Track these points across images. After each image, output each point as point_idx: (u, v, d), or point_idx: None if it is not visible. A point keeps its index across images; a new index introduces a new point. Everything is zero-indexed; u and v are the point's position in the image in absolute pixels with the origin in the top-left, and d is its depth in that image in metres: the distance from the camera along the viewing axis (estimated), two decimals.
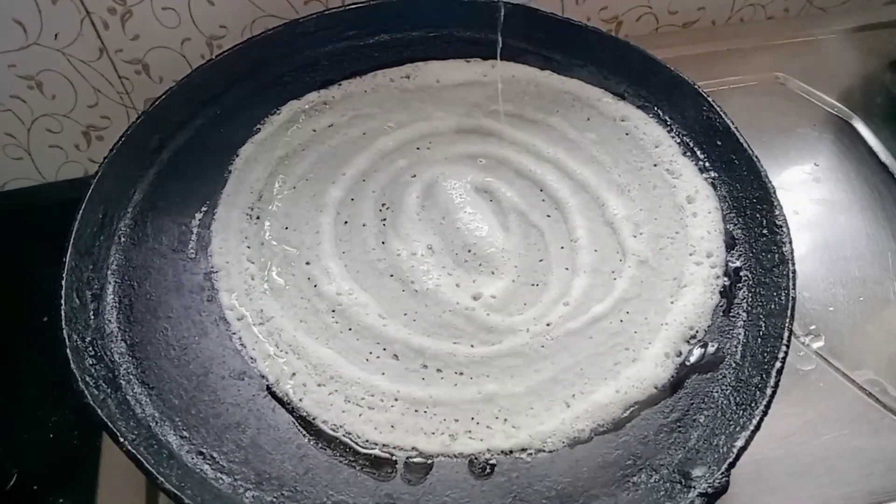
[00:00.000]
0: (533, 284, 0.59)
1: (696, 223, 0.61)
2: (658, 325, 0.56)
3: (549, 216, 0.63)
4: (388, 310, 0.57)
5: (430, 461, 0.50)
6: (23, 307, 0.68)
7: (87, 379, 0.48)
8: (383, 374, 0.54)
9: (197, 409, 0.51)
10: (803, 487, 0.54)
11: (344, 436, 0.50)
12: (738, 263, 0.58)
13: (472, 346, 0.55)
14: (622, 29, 0.86)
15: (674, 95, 0.67)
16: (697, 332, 0.55)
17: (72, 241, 0.54)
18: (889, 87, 0.81)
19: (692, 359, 0.54)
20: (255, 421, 0.51)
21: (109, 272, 0.56)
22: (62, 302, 0.51)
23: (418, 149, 0.67)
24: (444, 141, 0.67)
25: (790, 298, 0.53)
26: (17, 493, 0.59)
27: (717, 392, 0.52)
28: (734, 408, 0.50)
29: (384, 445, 0.50)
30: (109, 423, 0.46)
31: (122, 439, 0.45)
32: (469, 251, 0.60)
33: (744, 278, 0.57)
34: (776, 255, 0.56)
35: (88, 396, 0.47)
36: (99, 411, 0.46)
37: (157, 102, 0.63)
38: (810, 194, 0.72)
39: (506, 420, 0.51)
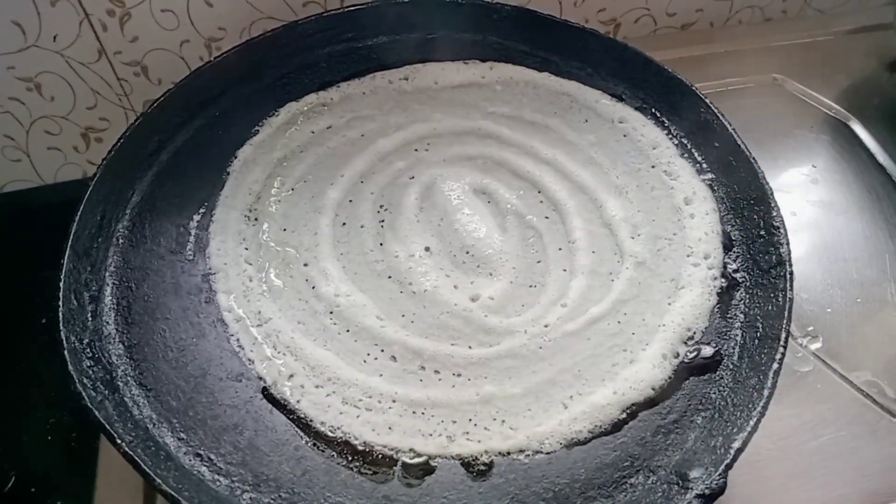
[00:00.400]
0: (531, 286, 0.59)
1: (693, 225, 0.61)
2: (656, 326, 0.56)
3: (547, 217, 0.63)
4: (386, 311, 0.57)
5: (427, 463, 0.50)
6: (21, 309, 0.68)
7: (85, 380, 0.48)
8: (381, 375, 0.53)
9: (194, 410, 0.51)
10: (801, 488, 0.54)
11: (342, 437, 0.50)
12: (735, 265, 0.58)
13: (469, 347, 0.55)
14: (620, 31, 0.86)
15: (672, 97, 0.67)
16: (695, 333, 0.55)
17: (70, 242, 0.54)
18: (886, 89, 0.81)
19: (689, 360, 0.54)
20: (253, 422, 0.51)
21: (107, 274, 0.56)
22: (60, 303, 0.51)
23: (416, 150, 0.67)
24: (442, 142, 0.67)
25: (788, 300, 0.53)
26: (15, 494, 0.59)
27: (714, 393, 0.52)
28: (731, 409, 0.50)
29: (382, 447, 0.50)
30: (107, 425, 0.46)
31: (119, 441, 0.45)
32: (467, 252, 0.60)
33: (741, 280, 0.57)
34: (774, 257, 0.56)
35: (86, 398, 0.47)
36: (96, 413, 0.46)
37: (155, 104, 0.63)
38: (808, 196, 0.72)
39: (503, 421, 0.51)
